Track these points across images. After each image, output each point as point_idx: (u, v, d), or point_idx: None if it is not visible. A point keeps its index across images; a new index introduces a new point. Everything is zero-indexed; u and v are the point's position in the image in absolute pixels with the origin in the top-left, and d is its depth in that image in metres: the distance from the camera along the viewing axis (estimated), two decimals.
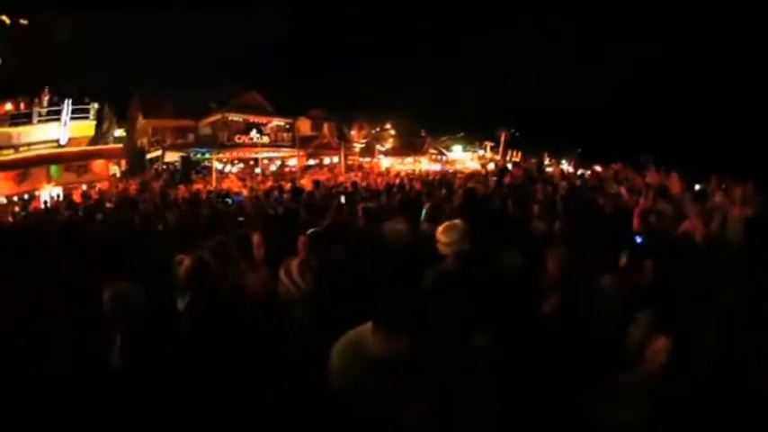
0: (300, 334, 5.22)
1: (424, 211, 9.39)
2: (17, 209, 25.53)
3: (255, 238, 6.93)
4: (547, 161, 55.99)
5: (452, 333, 4.14)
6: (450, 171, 44.24)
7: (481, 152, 69.78)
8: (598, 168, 29.16)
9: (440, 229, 6.22)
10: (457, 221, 6.36)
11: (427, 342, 3.66)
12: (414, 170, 49.52)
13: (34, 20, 40.37)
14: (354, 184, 23.36)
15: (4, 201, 31.07)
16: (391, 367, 3.53)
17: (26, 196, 31.12)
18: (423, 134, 65.37)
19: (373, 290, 4.32)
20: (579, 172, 35.73)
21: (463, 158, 66.75)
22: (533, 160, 48.18)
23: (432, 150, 65.10)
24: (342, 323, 4.04)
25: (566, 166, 51.21)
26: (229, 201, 18.23)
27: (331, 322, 4.21)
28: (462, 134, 69.89)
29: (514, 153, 65.05)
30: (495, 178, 21.01)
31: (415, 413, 3.52)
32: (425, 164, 59.62)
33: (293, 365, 4.70)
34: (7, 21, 38.28)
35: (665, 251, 6.72)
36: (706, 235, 7.85)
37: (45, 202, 24.37)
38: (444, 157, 65.64)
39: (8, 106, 35.39)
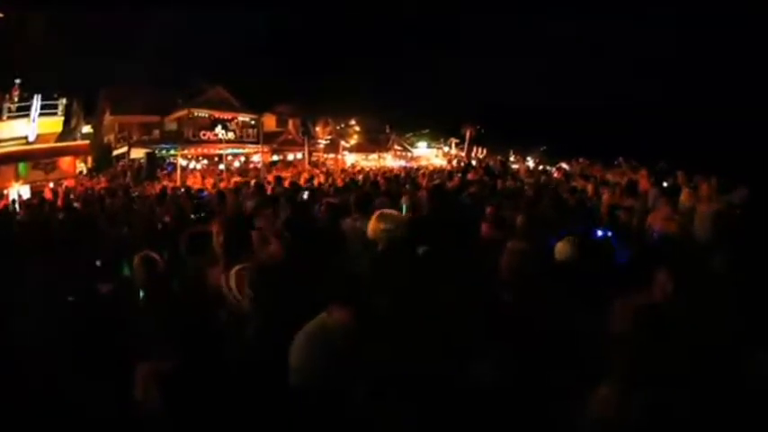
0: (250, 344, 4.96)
1: (404, 206, 9.88)
2: None
3: (215, 226, 6.65)
4: (512, 158, 57.12)
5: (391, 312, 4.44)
6: (414, 167, 44.76)
7: (446, 148, 70.21)
8: (564, 165, 30.07)
9: (376, 215, 6.51)
10: (392, 211, 6.83)
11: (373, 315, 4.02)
12: (378, 166, 50.20)
13: (5, 15, 38.88)
14: (310, 180, 23.52)
15: None
16: (347, 346, 3.85)
17: None
18: (387, 130, 66.21)
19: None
20: (542, 168, 36.23)
21: (428, 155, 67.65)
22: (498, 157, 49.69)
23: (396, 147, 65.90)
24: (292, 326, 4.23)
25: (531, 163, 52.35)
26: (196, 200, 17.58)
27: (279, 329, 4.37)
28: (427, 130, 70.46)
29: (480, 150, 65.63)
30: (459, 175, 21.58)
31: (369, 391, 3.78)
32: (390, 160, 60.53)
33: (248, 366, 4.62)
34: None
35: (633, 246, 7.46)
36: (674, 230, 7.98)
37: (13, 201, 23.73)
38: (409, 154, 66.53)
39: None
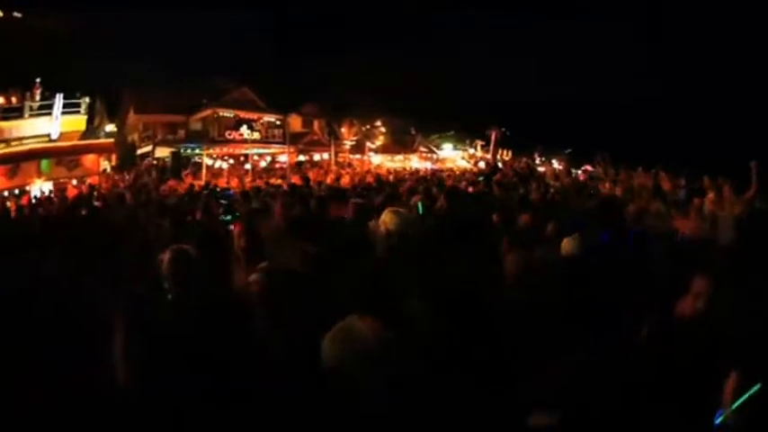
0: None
1: (420, 206, 9.68)
2: (9, 204, 23.78)
3: (236, 228, 6.83)
4: (537, 160, 56.73)
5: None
6: (439, 169, 45.18)
7: (471, 150, 69.08)
8: (588, 167, 29.69)
9: (387, 212, 6.91)
10: (401, 209, 7.11)
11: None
12: (403, 168, 49.89)
13: (27, 14, 40.70)
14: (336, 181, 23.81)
15: None
16: (379, 350, 3.75)
17: (17, 191, 30.77)
18: (413, 132, 65.09)
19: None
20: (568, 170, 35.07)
21: (453, 157, 66.34)
22: (524, 159, 49.79)
23: (422, 148, 64.68)
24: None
25: (556, 165, 50.22)
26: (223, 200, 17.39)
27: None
28: (453, 132, 69.29)
29: (505, 152, 64.25)
30: (482, 178, 21.42)
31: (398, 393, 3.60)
32: (416, 162, 59.41)
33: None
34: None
35: (660, 250, 7.17)
36: (698, 233, 8.08)
37: (35, 197, 24.35)
38: (435, 156, 65.21)
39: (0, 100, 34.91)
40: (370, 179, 27.54)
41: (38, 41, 39.33)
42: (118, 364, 4.15)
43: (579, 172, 29.58)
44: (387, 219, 6.94)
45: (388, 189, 16.75)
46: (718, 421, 3.32)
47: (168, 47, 52.07)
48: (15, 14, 39.84)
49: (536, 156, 59.74)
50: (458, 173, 33.29)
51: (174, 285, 5.38)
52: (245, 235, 6.55)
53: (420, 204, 9.83)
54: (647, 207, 10.59)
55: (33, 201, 22.96)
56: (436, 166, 53.03)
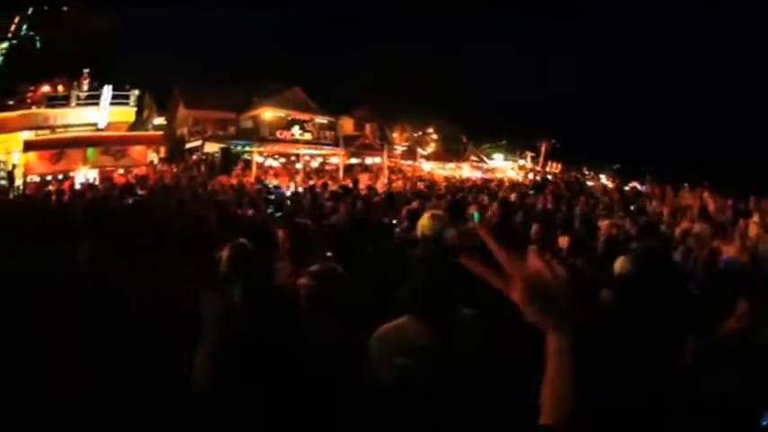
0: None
1: (476, 215, 9.80)
2: (51, 187, 23.77)
3: (281, 233, 6.68)
4: (586, 174, 57.37)
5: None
6: (490, 179, 44.46)
7: (521, 162, 67.70)
8: (636, 185, 30.23)
9: (427, 215, 7.04)
10: (440, 213, 7.31)
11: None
12: (454, 176, 48.28)
13: (75, 8, 42.09)
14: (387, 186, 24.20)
15: (37, 179, 30.06)
16: (429, 353, 3.73)
17: (60, 176, 30.84)
18: (464, 140, 63.82)
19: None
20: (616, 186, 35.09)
21: (504, 167, 64.50)
22: (573, 173, 51.81)
23: (473, 157, 62.90)
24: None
25: (604, 179, 51.34)
26: (272, 196, 17.99)
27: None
28: (504, 142, 67.82)
29: (554, 164, 64.16)
30: (532, 192, 21.47)
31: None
32: (467, 170, 57.75)
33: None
34: (46, 7, 40.03)
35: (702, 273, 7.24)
36: (740, 258, 7.75)
37: (81, 184, 24.37)
38: (485, 165, 63.29)
39: (45, 88, 36.18)
40: (420, 186, 27.79)
41: (87, 35, 40.84)
42: (200, 367, 4.46)
43: (627, 188, 29.12)
44: (424, 222, 6.98)
45: (448, 196, 16.67)
46: (764, 423, 3.64)
47: (218, 45, 55.07)
48: (63, 8, 41.18)
49: (584, 170, 60.13)
50: (508, 184, 32.08)
51: (236, 282, 5.36)
52: (291, 236, 6.54)
53: (476, 214, 9.93)
54: (691, 228, 10.22)
55: (78, 187, 22.82)
56: (486, 176, 51.80)
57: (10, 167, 33.16)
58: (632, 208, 15.76)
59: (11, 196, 26.87)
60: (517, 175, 55.84)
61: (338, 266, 5.28)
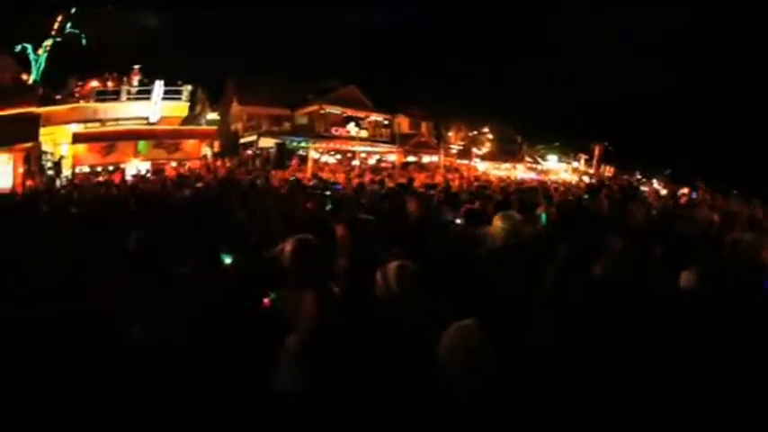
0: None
1: (543, 216, 9.78)
2: (100, 179, 25.46)
3: (340, 229, 6.67)
4: (638, 178, 53.63)
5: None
6: (545, 180, 42.49)
7: (575, 164, 64.73)
8: (685, 191, 28.33)
9: (499, 216, 7.02)
10: (514, 213, 7.44)
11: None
12: (509, 176, 45.59)
13: (122, 6, 41.88)
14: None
15: (86, 170, 31.80)
16: (488, 355, 3.67)
17: (110, 168, 32.05)
18: (519, 140, 61.32)
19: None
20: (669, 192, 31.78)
21: (557, 169, 62.54)
22: (626, 177, 48.70)
23: (527, 158, 60.87)
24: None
25: (656, 185, 46.93)
26: (327, 192, 17.24)
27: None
28: (558, 144, 65.07)
29: (608, 167, 59.80)
30: (586, 196, 19.65)
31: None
32: (521, 171, 55.10)
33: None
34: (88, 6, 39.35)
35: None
36: None
37: (132, 176, 25.23)
38: (539, 166, 61.09)
39: (93, 83, 36.85)
40: (477, 185, 25.50)
41: (135, 32, 40.87)
42: (288, 371, 4.25)
43: (678, 194, 26.46)
44: (496, 222, 6.93)
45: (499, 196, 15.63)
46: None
47: (272, 42, 50.62)
48: (107, 7, 41.08)
49: (636, 174, 56.10)
50: (563, 186, 29.48)
51: (301, 278, 4.90)
52: (349, 232, 6.57)
53: (544, 215, 9.90)
54: (740, 237, 8.46)
55: (129, 178, 23.91)
56: (540, 178, 49.29)
57: (57, 158, 33.67)
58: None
59: (57, 185, 27.35)
60: (570, 177, 53.60)
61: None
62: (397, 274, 4.70)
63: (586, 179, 46.31)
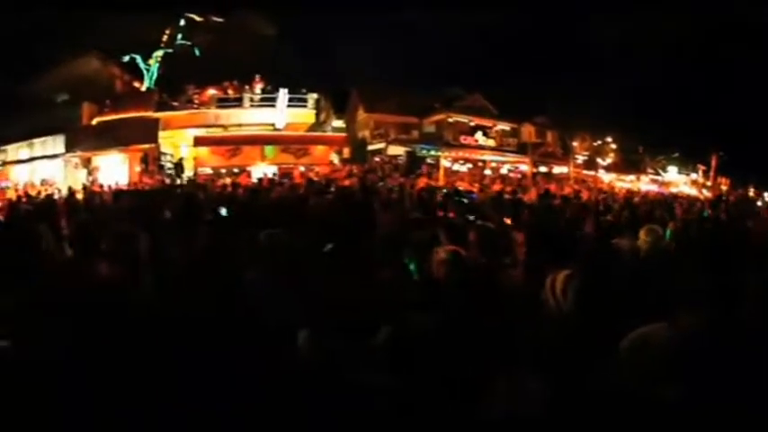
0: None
1: (669, 232, 9.26)
2: (228, 180, 25.21)
3: (519, 237, 6.60)
4: (751, 192, 48.87)
5: None
6: (668, 193, 39.12)
7: (694, 176, 59.29)
8: None
9: (644, 229, 7.08)
10: (657, 227, 7.36)
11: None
12: (631, 189, 41.48)
13: (236, 16, 40.57)
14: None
15: (208, 171, 31.44)
16: (677, 359, 3.57)
17: (235, 170, 31.48)
18: (640, 151, 56.39)
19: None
20: None
21: (677, 181, 56.77)
22: (739, 190, 45.62)
23: (649, 170, 55.86)
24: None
25: None
26: (465, 200, 16.32)
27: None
28: (677, 154, 58.97)
29: (723, 179, 55.85)
30: (707, 213, 18.47)
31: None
32: (644, 183, 50.71)
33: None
34: (197, 18, 38.79)
35: None
36: None
37: (259, 179, 23.53)
38: (660, 178, 55.79)
39: (211, 91, 36.09)
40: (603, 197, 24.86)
41: (255, 40, 39.65)
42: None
43: None
44: (641, 236, 6.98)
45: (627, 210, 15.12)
46: None
47: (397, 50, 49.12)
48: (216, 19, 39.78)
49: (750, 187, 50.87)
50: (685, 201, 25.84)
51: (454, 290, 4.92)
52: (532, 240, 6.46)
53: (669, 231, 9.17)
54: None
55: (256, 181, 22.82)
56: (662, 190, 45.39)
57: (176, 160, 33.24)
58: None
59: (177, 182, 27.38)
60: (690, 190, 49.34)
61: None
62: (566, 282, 4.40)
63: (706, 192, 43.49)
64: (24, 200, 18.10)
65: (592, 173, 46.95)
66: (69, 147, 32.49)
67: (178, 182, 27.48)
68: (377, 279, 5.45)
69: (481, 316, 4.30)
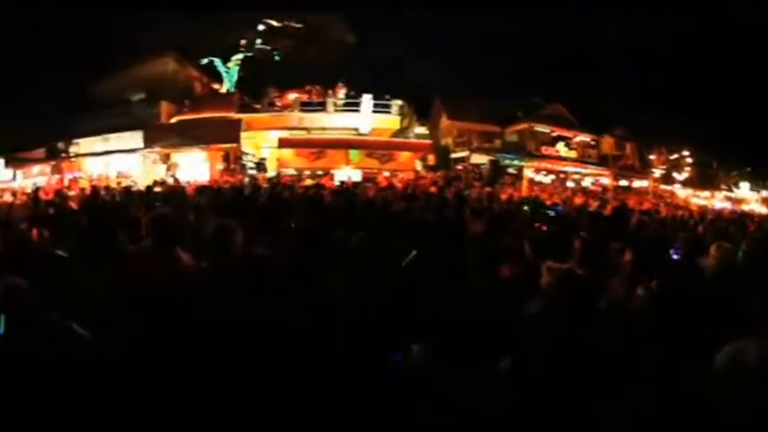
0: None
1: (741, 252, 8.33)
2: (309, 181, 25.05)
3: (627, 255, 6.74)
4: None
5: None
6: (742, 211, 36.74)
7: (765, 192, 54.90)
8: None
9: (714, 245, 6.65)
10: (727, 244, 6.88)
11: None
12: (706, 206, 38.96)
13: (315, 23, 40.69)
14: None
15: (291, 172, 31.34)
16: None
17: (319, 172, 31.24)
18: (714, 166, 53.38)
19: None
20: None
21: (750, 197, 53.00)
22: None
23: (723, 185, 52.96)
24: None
25: None
26: (552, 212, 15.32)
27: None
28: (749, 170, 55.15)
29: None
30: None
31: None
32: (718, 200, 47.97)
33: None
34: (276, 23, 39.41)
35: None
36: None
37: (342, 182, 24.30)
38: (732, 195, 52.33)
39: (292, 96, 36.27)
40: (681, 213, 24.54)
41: (335, 47, 39.39)
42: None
43: None
44: (712, 253, 6.53)
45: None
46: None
47: (475, 57, 49.85)
48: (294, 24, 40.35)
49: None
50: (758, 218, 26.54)
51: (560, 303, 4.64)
52: (637, 254, 6.69)
53: (741, 250, 8.25)
54: None
55: (340, 183, 23.57)
56: (735, 207, 41.97)
57: (259, 160, 33.42)
58: None
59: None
60: (761, 208, 46.37)
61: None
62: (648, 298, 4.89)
63: None
64: (103, 191, 18.08)
65: (669, 187, 45.55)
66: (148, 143, 32.45)
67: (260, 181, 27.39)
68: (493, 282, 5.41)
69: (587, 331, 4.10)
